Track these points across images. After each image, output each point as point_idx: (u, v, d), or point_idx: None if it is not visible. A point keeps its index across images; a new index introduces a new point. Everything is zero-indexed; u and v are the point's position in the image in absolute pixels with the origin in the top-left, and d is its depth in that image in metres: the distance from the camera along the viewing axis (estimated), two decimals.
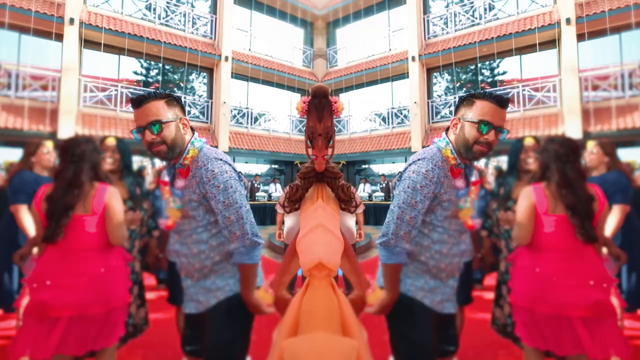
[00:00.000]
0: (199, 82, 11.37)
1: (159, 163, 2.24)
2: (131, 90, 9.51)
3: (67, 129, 8.09)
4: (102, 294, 1.49)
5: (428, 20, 11.21)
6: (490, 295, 3.49)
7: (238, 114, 11.39)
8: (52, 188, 1.52)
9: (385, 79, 11.77)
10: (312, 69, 13.37)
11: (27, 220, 2.26)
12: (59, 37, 8.40)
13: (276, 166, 13.05)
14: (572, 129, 8.35)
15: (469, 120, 1.35)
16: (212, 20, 11.07)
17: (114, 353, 1.66)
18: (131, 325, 2.07)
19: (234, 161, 10.33)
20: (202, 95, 11.23)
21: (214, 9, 11.21)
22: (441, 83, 11.47)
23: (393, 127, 11.77)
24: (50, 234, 1.46)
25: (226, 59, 10.79)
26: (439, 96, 11.31)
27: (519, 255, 1.66)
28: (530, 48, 9.39)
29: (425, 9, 11.40)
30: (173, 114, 1.38)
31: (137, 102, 1.35)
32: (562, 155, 1.57)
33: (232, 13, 11.14)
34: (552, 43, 9.10)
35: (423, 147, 10.55)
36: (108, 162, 1.99)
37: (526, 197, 1.60)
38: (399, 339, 1.46)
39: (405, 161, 10.93)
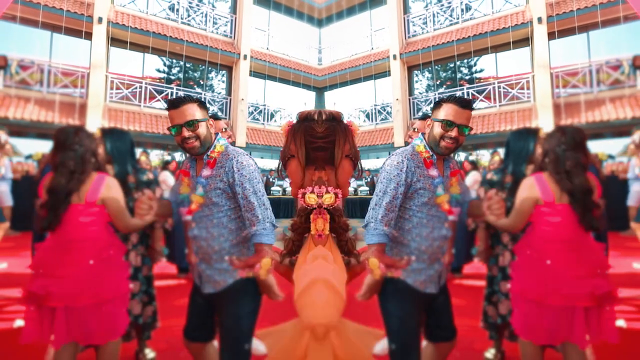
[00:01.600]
0: (217, 80, 11.50)
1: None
2: (155, 86, 9.89)
3: (94, 123, 8.17)
4: (92, 285, 1.46)
5: (408, 20, 11.31)
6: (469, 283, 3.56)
7: (255, 110, 11.56)
8: (53, 177, 1.49)
9: (368, 76, 11.85)
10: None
11: None
12: (88, 36, 8.68)
13: None
14: (545, 123, 8.61)
15: (437, 120, 1.56)
16: (232, 20, 11.22)
17: (117, 349, 1.61)
18: (139, 324, 2.04)
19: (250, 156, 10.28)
20: (220, 93, 11.36)
21: (234, 9, 11.36)
22: (422, 81, 11.60)
23: (377, 124, 11.87)
24: (49, 222, 1.45)
25: (245, 57, 10.91)
26: (420, 93, 11.44)
27: (524, 246, 1.63)
28: (505, 46, 9.60)
29: (406, 9, 11.49)
30: (203, 115, 1.57)
31: (175, 103, 1.54)
32: (562, 144, 1.54)
33: (251, 13, 11.26)
34: (525, 41, 9.32)
35: (405, 142, 10.71)
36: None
37: (528, 187, 1.58)
38: (387, 317, 1.54)
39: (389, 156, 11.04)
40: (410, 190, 1.52)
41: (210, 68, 11.00)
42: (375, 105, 12.07)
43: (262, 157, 11.96)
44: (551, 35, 8.80)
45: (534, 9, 8.99)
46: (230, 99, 11.14)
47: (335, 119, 1.76)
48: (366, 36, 12.28)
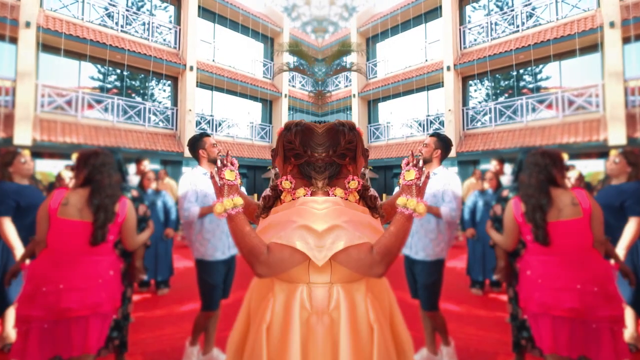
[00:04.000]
0: (159, 89, 10.90)
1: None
2: (93, 96, 9.07)
3: (24, 136, 7.55)
4: (108, 296, 1.54)
5: (464, 31, 10.90)
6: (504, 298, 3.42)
7: (202, 120, 11.30)
8: (98, 196, 1.55)
9: (421, 88, 11.64)
10: (272, 81, 13.46)
11: (11, 233, 2.17)
12: (14, 40, 7.67)
13: (240, 171, 13.35)
14: (616, 135, 7.67)
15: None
16: (176, 31, 10.85)
17: None
18: (120, 339, 2.00)
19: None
20: (162, 102, 10.83)
21: (177, 20, 11.05)
22: (481, 90, 11.02)
23: (429, 134, 11.56)
24: (98, 237, 1.52)
25: (191, 68, 10.60)
26: (478, 103, 10.89)
27: (521, 260, 1.72)
28: (569, 53, 8.77)
29: (462, 20, 11.09)
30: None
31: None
32: (527, 166, 1.65)
33: (196, 25, 10.91)
34: (593, 47, 8.41)
35: (457, 152, 10.29)
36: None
37: (509, 207, 1.71)
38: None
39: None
40: None
41: (152, 77, 10.38)
42: (429, 115, 11.79)
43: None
44: (626, 40, 7.83)
45: (607, 13, 8.09)
46: (177, 110, 10.72)
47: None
48: (420, 49, 12.09)
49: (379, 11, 13.49)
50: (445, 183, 2.19)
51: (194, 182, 2.22)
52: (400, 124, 12.63)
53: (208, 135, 2.39)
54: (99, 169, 1.59)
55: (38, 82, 8.08)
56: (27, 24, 7.74)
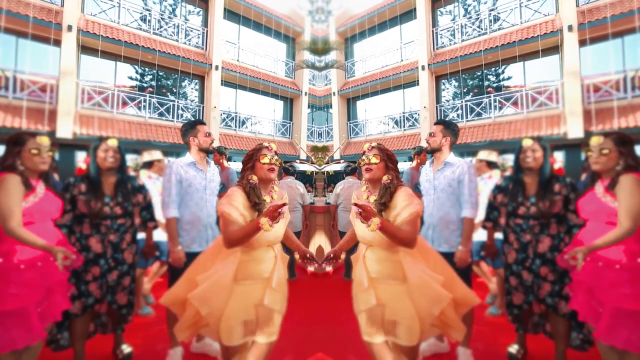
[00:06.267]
0: (191, 88, 11.30)
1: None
2: (128, 94, 9.55)
3: (65, 129, 8.02)
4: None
5: (437, 33, 11.15)
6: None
7: (227, 117, 11.61)
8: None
9: (398, 86, 11.81)
10: (294, 79, 13.56)
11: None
12: (57, 43, 8.15)
13: None
14: (574, 129, 8.09)
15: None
16: (203, 33, 11.16)
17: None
18: (123, 314, 2.09)
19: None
20: (194, 100, 11.22)
21: (205, 22, 11.35)
22: (449, 89, 11.35)
23: (405, 130, 11.77)
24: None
25: (216, 67, 10.88)
26: (447, 101, 11.20)
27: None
28: (533, 54, 9.15)
29: (434, 22, 11.35)
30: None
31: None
32: None
33: (222, 26, 11.20)
34: (554, 49, 8.83)
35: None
36: (110, 161, 2.01)
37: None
38: None
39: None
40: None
41: (182, 77, 10.83)
42: (404, 112, 11.99)
43: (234, 161, 12.13)
44: (582, 43, 8.26)
45: (565, 17, 8.50)
46: (203, 107, 11.07)
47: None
48: (396, 49, 12.27)
49: (356, 12, 13.56)
50: (461, 173, 2.08)
51: (178, 172, 2.11)
52: (377, 121, 12.78)
53: (203, 124, 2.26)
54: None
55: (79, 80, 8.61)
56: (69, 28, 8.30)
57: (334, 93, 13.46)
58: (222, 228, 1.55)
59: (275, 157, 1.68)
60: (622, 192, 1.52)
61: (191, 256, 2.03)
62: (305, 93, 13.31)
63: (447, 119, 2.33)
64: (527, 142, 2.04)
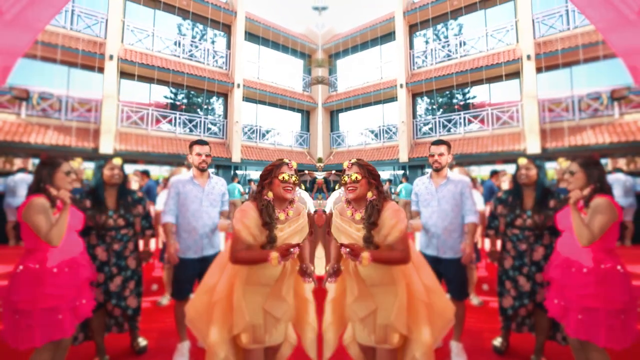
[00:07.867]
0: (218, 104, 12.14)
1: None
2: (161, 112, 10.48)
3: (107, 146, 8.91)
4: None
5: (413, 55, 11.97)
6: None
7: (249, 130, 12.29)
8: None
9: (377, 101, 12.48)
10: (310, 92, 14.17)
11: None
12: (101, 70, 9.20)
13: None
14: (532, 146, 8.96)
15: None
16: (226, 55, 12.00)
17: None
18: (135, 316, 2.23)
19: (245, 170, 11.00)
20: (220, 116, 12.08)
21: (228, 44, 12.18)
22: (421, 104, 12.12)
23: (384, 142, 12.38)
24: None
25: (238, 85, 11.64)
26: (420, 116, 11.95)
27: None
28: (497, 78, 10.08)
29: (411, 44, 12.18)
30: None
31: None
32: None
33: (243, 48, 12.01)
34: (516, 74, 9.79)
35: (409, 158, 11.15)
36: (115, 178, 2.18)
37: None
38: None
39: (394, 170, 11.35)
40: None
41: (209, 95, 11.66)
42: (382, 126, 12.64)
43: (256, 170, 12.60)
44: (539, 70, 9.25)
45: (524, 47, 9.50)
46: (227, 122, 11.87)
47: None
48: (376, 67, 12.99)
49: (340, 32, 14.26)
50: (462, 187, 2.28)
51: (177, 187, 2.30)
52: (358, 133, 13.35)
53: (200, 143, 2.35)
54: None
55: (119, 102, 9.58)
56: (111, 57, 9.31)
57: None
58: (231, 243, 1.53)
59: (294, 177, 1.60)
60: (591, 210, 1.69)
61: (186, 262, 2.25)
62: (321, 105, 14.04)
63: (444, 139, 2.66)
64: (522, 161, 2.19)
